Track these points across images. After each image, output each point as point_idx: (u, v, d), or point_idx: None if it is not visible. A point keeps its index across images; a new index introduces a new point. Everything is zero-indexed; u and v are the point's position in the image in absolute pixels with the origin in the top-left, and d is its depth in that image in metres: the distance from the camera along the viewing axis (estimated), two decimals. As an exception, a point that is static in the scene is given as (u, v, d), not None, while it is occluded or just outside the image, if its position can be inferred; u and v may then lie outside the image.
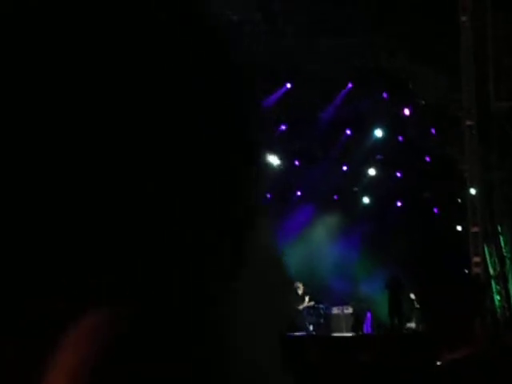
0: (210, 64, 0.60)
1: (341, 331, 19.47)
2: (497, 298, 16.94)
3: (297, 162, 23.57)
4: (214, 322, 0.58)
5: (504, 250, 16.97)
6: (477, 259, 16.79)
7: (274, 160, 23.52)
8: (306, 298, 20.64)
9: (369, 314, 20.24)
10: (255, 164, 0.62)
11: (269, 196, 24.34)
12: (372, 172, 23.10)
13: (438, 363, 3.08)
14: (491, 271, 16.96)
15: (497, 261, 16.99)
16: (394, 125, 21.42)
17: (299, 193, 24.24)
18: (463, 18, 16.59)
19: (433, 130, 20.41)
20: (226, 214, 0.58)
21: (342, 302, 20.66)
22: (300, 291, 20.66)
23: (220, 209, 0.58)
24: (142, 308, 0.56)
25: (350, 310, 20.30)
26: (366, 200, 23.94)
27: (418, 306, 19.89)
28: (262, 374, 0.63)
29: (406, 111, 20.52)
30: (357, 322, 19.61)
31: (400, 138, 21.86)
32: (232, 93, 0.61)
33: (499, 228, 16.99)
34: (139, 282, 0.55)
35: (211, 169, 0.58)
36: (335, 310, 20.55)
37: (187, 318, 0.57)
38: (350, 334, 18.69)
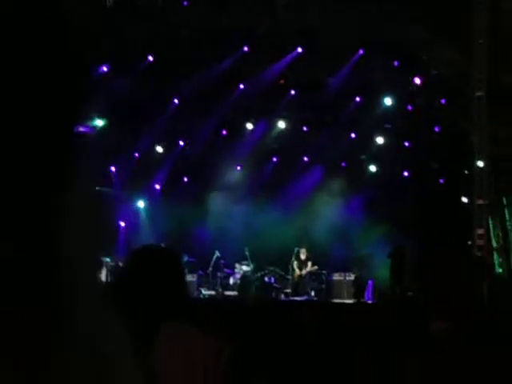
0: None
1: (342, 298, 19.60)
2: (499, 270, 17.01)
3: (305, 128, 23.53)
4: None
5: (508, 223, 17.00)
6: (480, 231, 16.84)
7: (282, 124, 23.51)
8: (309, 264, 20.75)
9: (370, 282, 20.31)
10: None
11: (275, 160, 24.39)
12: (380, 140, 23.03)
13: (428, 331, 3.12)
14: (494, 243, 17.01)
15: (500, 234, 17.02)
16: (403, 94, 21.33)
17: (306, 158, 24.23)
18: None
19: (443, 101, 20.33)
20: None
21: (345, 269, 20.76)
22: (303, 256, 20.77)
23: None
24: None
25: (351, 277, 20.39)
26: (372, 168, 23.91)
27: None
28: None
29: (417, 80, 20.41)
30: (358, 289, 19.70)
31: (409, 108, 21.77)
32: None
33: (504, 201, 16.99)
34: None
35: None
36: (337, 277, 20.65)
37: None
38: (350, 301, 18.82)
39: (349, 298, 19.41)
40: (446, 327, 3.06)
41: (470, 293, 3.15)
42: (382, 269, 20.08)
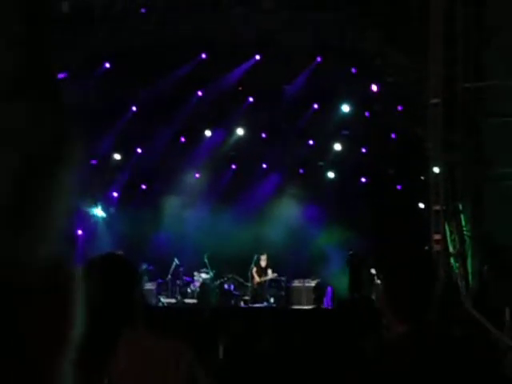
0: None
1: (301, 304, 19.66)
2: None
3: (263, 135, 23.59)
4: None
5: (464, 229, 17.19)
6: (437, 237, 17.00)
7: (240, 132, 23.54)
8: (269, 271, 20.77)
9: (329, 289, 20.42)
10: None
11: (234, 167, 24.42)
12: (338, 147, 23.19)
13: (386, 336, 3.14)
14: (451, 249, 17.18)
15: (457, 239, 17.20)
16: (361, 100, 21.50)
17: (265, 165, 24.29)
18: (434, -3, 16.64)
19: (399, 108, 20.54)
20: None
21: (304, 275, 20.83)
22: (263, 263, 20.78)
23: None
24: None
25: (311, 284, 20.47)
26: (330, 175, 24.05)
27: (377, 281, 20.14)
28: None
29: (374, 87, 20.59)
30: (318, 295, 19.79)
31: (367, 114, 21.96)
32: None
33: (460, 207, 17.19)
34: None
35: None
36: (296, 283, 20.72)
37: None
38: (309, 307, 18.89)
39: (308, 305, 19.48)
40: (405, 330, 3.08)
41: (428, 293, 3.17)
42: (340, 275, 20.21)
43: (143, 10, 19.06)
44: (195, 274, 20.82)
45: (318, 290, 20.10)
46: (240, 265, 20.92)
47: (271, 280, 20.81)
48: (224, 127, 23.37)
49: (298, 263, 21.41)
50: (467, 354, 3.10)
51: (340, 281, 20.13)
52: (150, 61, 19.77)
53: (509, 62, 16.32)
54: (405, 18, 16.98)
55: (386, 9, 17.18)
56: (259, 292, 20.70)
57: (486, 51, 16.63)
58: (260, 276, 20.73)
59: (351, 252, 20.28)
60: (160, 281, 20.93)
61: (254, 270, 20.80)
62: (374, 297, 20.05)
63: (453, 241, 17.22)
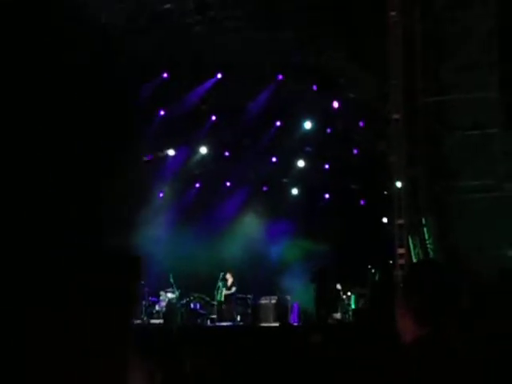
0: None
1: (268, 321, 19.61)
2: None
3: (227, 153, 23.60)
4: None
5: (428, 242, 17.30)
6: (401, 250, 17.09)
7: (203, 150, 23.52)
8: (234, 288, 20.70)
9: (295, 305, 20.42)
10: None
11: (198, 185, 24.34)
12: (301, 164, 23.27)
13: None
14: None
15: (421, 252, 17.31)
16: (323, 117, 21.63)
17: (229, 183, 24.28)
18: (392, 13, 16.82)
19: (361, 124, 20.70)
20: None
21: (270, 292, 20.80)
22: (229, 281, 20.71)
23: None
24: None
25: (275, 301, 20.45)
26: (294, 191, 24.11)
27: (343, 296, 20.19)
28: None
29: (335, 104, 20.73)
30: (282, 312, 19.74)
31: (329, 131, 22.08)
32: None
33: (423, 220, 17.31)
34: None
35: None
36: (263, 300, 20.67)
37: None
38: (276, 324, 18.85)
39: (275, 322, 19.44)
40: (426, 333, 3.16)
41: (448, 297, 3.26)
42: (304, 291, 20.22)
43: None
44: (161, 293, 20.67)
45: (281, 307, 20.06)
46: (206, 283, 20.83)
47: (237, 298, 20.74)
48: (187, 146, 23.33)
49: (264, 280, 21.38)
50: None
51: (305, 296, 20.14)
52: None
53: (468, 75, 16.54)
54: (365, 34, 17.14)
55: (346, 26, 17.33)
56: (225, 310, 20.61)
57: (445, 66, 16.83)
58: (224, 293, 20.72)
59: (316, 268, 20.30)
60: (125, 301, 20.73)
61: (220, 287, 20.74)
62: (339, 312, 20.14)
63: (417, 254, 17.32)
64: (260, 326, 18.91)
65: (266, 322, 19.66)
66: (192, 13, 18.62)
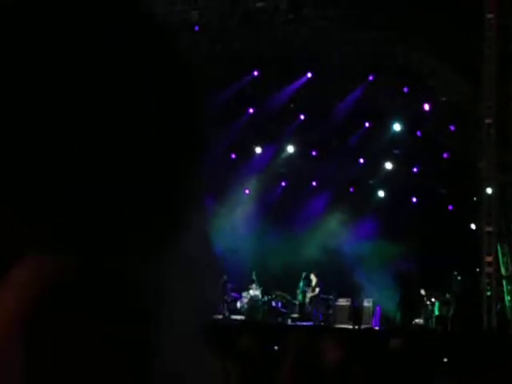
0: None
1: (345, 323, 19.42)
2: (507, 298, 16.90)
3: (314, 153, 23.55)
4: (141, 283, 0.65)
5: (517, 251, 16.91)
6: (489, 258, 16.75)
7: (290, 149, 23.56)
8: (317, 290, 20.64)
9: (378, 308, 20.22)
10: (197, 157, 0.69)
11: (284, 184, 24.41)
12: (389, 166, 23.03)
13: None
14: (503, 271, 16.91)
15: (509, 261, 16.93)
16: (413, 120, 21.35)
17: (314, 183, 24.22)
18: (489, 16, 16.48)
19: (452, 127, 20.33)
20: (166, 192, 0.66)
21: (350, 294, 20.66)
22: (313, 282, 20.66)
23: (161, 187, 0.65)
24: (83, 261, 0.61)
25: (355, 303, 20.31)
26: (381, 194, 23.88)
27: (427, 302, 19.88)
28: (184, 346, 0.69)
29: (426, 107, 20.43)
30: (355, 314, 19.52)
31: (418, 134, 21.78)
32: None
33: (513, 228, 16.93)
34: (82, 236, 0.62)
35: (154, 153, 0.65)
36: (341, 302, 20.55)
37: (122, 275, 0.63)
38: (350, 327, 18.74)
39: (351, 324, 19.31)
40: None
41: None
42: (387, 294, 20.00)
43: (196, 28, 19.26)
44: (244, 294, 20.82)
45: (355, 310, 19.85)
46: (288, 282, 20.85)
47: (320, 298, 20.69)
48: (275, 144, 23.40)
49: (345, 281, 21.24)
50: None
51: (388, 300, 19.94)
52: (202, 78, 19.90)
53: None
54: (459, 36, 16.84)
55: (438, 27, 17.05)
56: (307, 310, 20.60)
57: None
58: (306, 293, 20.71)
59: (401, 271, 20.07)
60: (208, 296, 20.94)
61: (303, 287, 20.74)
62: (422, 318, 19.83)
63: (505, 263, 16.94)
64: (334, 328, 18.80)
65: (343, 323, 19.50)
66: (284, 12, 18.66)
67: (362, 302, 20.23)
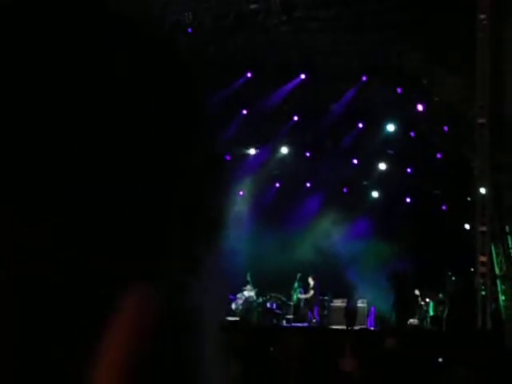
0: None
1: (340, 324, 19.42)
2: (502, 298, 16.93)
3: (308, 154, 23.58)
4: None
5: (511, 251, 16.94)
6: (483, 258, 16.78)
7: (284, 150, 23.58)
8: (311, 292, 20.66)
9: (373, 309, 20.26)
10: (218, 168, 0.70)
11: (278, 185, 24.39)
12: (382, 166, 23.08)
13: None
14: (497, 271, 16.94)
15: (503, 261, 16.97)
16: (406, 120, 21.39)
17: (309, 184, 24.25)
18: (481, 17, 16.52)
19: (445, 128, 20.37)
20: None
21: (345, 295, 20.71)
22: (311, 284, 20.67)
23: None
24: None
25: (349, 304, 20.33)
26: (375, 194, 23.93)
27: (421, 302, 19.92)
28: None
29: (420, 107, 20.47)
30: (349, 315, 19.51)
31: (412, 134, 21.83)
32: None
33: (507, 228, 16.96)
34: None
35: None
36: (336, 303, 20.58)
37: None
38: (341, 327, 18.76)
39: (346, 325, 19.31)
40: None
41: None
42: (381, 294, 20.03)
43: (189, 30, 19.27)
44: (238, 295, 20.81)
45: (349, 310, 19.85)
46: (282, 283, 20.87)
47: (316, 300, 20.71)
48: (269, 145, 23.42)
49: (340, 282, 21.29)
50: None
51: (383, 300, 19.97)
52: (202, 77, 19.89)
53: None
54: (452, 36, 16.88)
55: (431, 28, 17.10)
56: (301, 311, 20.63)
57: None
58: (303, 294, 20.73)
59: (395, 272, 20.11)
60: (202, 298, 20.93)
61: (298, 288, 20.76)
62: (416, 318, 19.87)
63: (499, 263, 16.98)
64: (329, 329, 18.81)
65: (338, 324, 19.51)
66: (278, 13, 18.68)
67: (356, 302, 20.27)
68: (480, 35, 16.59)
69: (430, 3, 16.86)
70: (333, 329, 18.71)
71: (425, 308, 19.86)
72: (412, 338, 13.22)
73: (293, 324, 19.96)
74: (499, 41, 16.47)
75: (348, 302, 20.25)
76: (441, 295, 19.46)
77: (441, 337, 16.32)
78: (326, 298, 20.76)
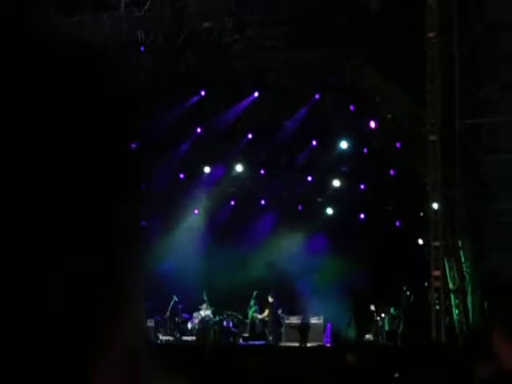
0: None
1: (296, 341, 19.36)
2: (455, 311, 17.10)
3: (262, 171, 23.62)
4: None
5: (464, 265, 17.14)
6: (437, 273, 16.94)
7: (239, 168, 23.59)
8: (266, 312, 20.60)
9: (329, 325, 20.28)
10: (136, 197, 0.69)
11: (233, 203, 24.35)
12: (336, 183, 23.22)
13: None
14: (451, 285, 17.12)
15: (456, 275, 17.15)
16: (359, 137, 21.56)
17: (263, 201, 24.28)
18: (430, 35, 16.77)
19: (398, 144, 20.57)
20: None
21: (301, 312, 20.70)
22: (270, 302, 20.60)
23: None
24: None
25: (313, 320, 20.31)
26: (329, 211, 24.04)
27: (377, 317, 20.02)
28: None
29: (372, 124, 20.65)
30: (302, 331, 19.49)
31: (365, 151, 22.00)
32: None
33: (460, 243, 17.16)
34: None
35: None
36: (291, 320, 20.54)
37: None
38: (297, 345, 18.74)
39: (310, 342, 19.31)
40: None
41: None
42: (337, 311, 20.08)
43: (142, 48, 19.21)
44: (194, 314, 20.68)
45: (302, 327, 19.82)
46: (238, 301, 20.81)
47: (272, 317, 20.67)
48: (223, 163, 23.41)
49: (296, 299, 21.29)
50: None
51: (339, 317, 20.01)
52: (149, 98, 19.84)
53: (506, 98, 16.41)
54: (403, 55, 17.10)
55: (382, 46, 17.31)
56: (258, 329, 20.57)
57: (483, 87, 16.73)
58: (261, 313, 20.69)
59: (351, 288, 20.18)
60: (158, 318, 20.78)
61: (254, 306, 20.72)
62: (372, 333, 19.96)
63: (452, 277, 17.16)
64: (279, 346, 18.78)
65: (293, 341, 19.46)
66: (231, 32, 18.74)
67: (309, 319, 20.24)
68: (429, 53, 16.83)
69: (382, 21, 17.07)
70: (288, 346, 18.71)
71: (380, 323, 19.96)
72: (369, 353, 13.28)
73: (249, 342, 19.89)
74: (449, 58, 16.72)
75: (303, 319, 20.25)
76: (394, 310, 19.58)
77: (396, 352, 16.41)
78: (281, 315, 20.73)
